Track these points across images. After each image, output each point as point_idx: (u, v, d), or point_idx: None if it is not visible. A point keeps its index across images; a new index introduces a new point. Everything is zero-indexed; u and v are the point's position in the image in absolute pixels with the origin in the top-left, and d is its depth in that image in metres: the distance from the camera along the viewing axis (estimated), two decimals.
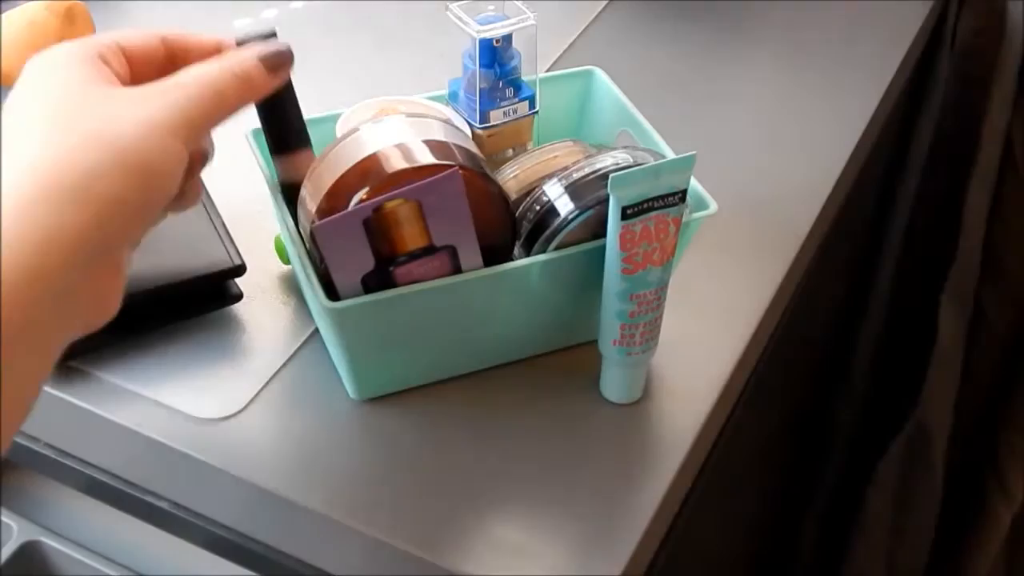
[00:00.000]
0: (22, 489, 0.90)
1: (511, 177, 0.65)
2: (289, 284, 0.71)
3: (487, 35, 0.67)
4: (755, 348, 0.70)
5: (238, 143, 0.65)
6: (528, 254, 0.62)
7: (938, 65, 1.08)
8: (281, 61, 0.52)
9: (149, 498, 0.67)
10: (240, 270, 0.68)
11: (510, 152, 0.71)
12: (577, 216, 0.61)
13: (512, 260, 0.62)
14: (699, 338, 0.69)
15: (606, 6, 0.97)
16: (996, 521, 1.23)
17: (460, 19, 0.67)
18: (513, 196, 0.63)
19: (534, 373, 0.67)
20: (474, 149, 0.61)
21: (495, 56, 0.68)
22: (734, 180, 0.77)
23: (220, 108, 0.49)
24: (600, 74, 0.74)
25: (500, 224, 0.61)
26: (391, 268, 0.59)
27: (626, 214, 0.58)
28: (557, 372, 0.67)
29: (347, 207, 0.57)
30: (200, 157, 0.53)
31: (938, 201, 1.16)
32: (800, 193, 0.79)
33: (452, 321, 0.63)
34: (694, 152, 0.60)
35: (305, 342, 0.68)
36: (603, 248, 0.60)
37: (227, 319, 0.69)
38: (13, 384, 0.41)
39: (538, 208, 0.62)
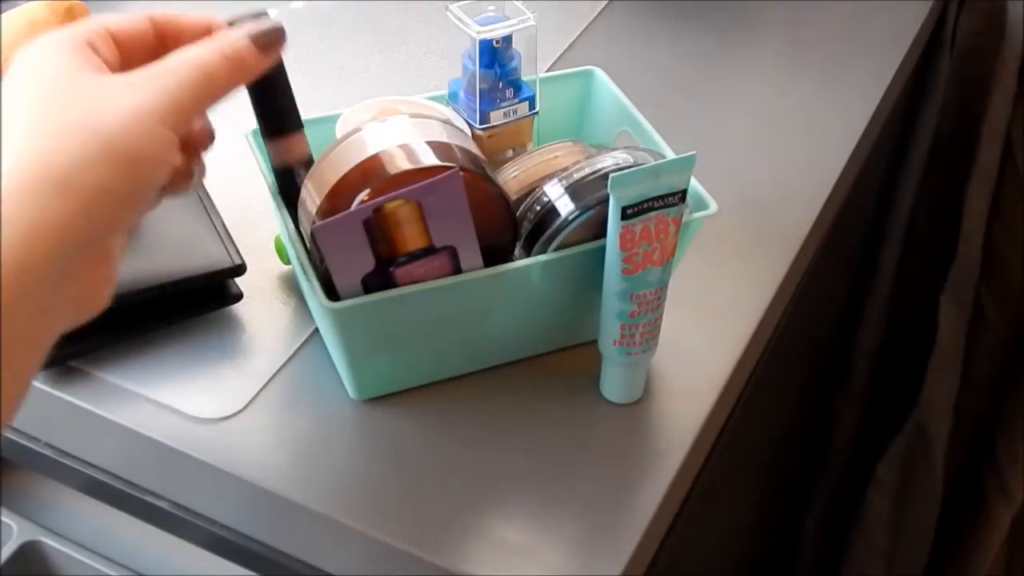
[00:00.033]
0: (22, 489, 0.90)
1: (511, 177, 0.65)
2: (289, 284, 0.71)
3: (487, 36, 0.67)
4: (755, 348, 0.70)
5: (238, 143, 0.65)
6: (528, 254, 0.62)
7: (938, 65, 1.08)
8: (272, 40, 0.51)
9: (149, 498, 0.67)
10: (240, 270, 0.68)
11: (510, 152, 0.71)
12: (577, 216, 0.61)
13: (512, 261, 0.62)
14: (699, 338, 0.69)
15: (606, 6, 0.97)
16: (996, 521, 1.22)
17: (460, 19, 0.67)
18: (513, 196, 0.63)
19: (534, 373, 0.67)
20: (475, 150, 0.61)
21: (495, 56, 0.68)
22: (734, 180, 0.77)
23: (210, 91, 0.48)
24: (600, 74, 0.74)
25: (501, 224, 0.61)
26: (391, 269, 0.59)
27: (626, 214, 0.58)
28: (557, 372, 0.67)
29: (349, 207, 0.57)
30: (203, 138, 0.52)
31: (938, 201, 1.16)
32: (800, 193, 0.79)
33: (452, 322, 0.63)
34: (694, 152, 0.60)
35: (305, 342, 0.68)
36: (603, 248, 0.60)
37: (227, 319, 0.69)
38: (1, 379, 0.41)
39: (538, 208, 0.62)
